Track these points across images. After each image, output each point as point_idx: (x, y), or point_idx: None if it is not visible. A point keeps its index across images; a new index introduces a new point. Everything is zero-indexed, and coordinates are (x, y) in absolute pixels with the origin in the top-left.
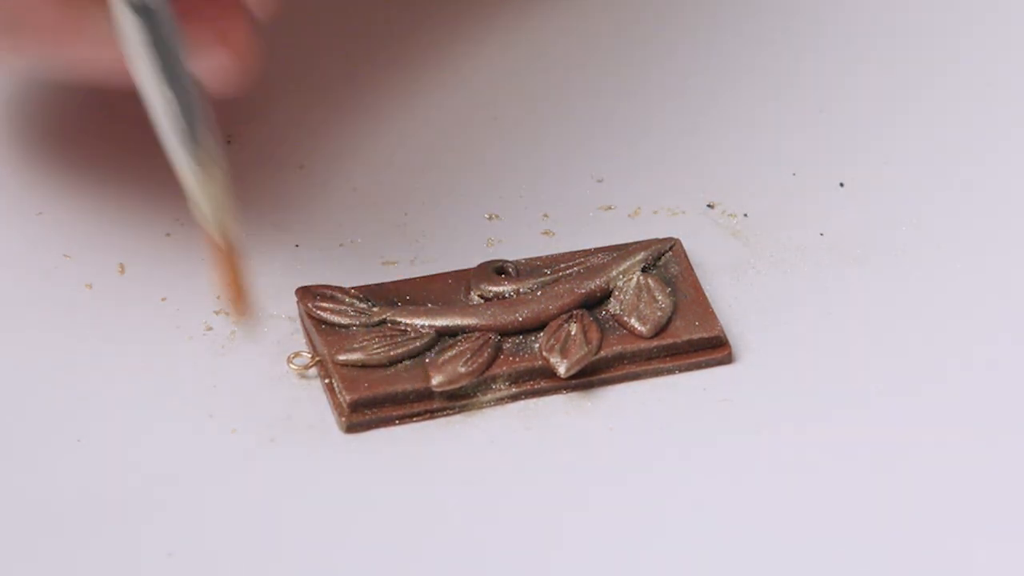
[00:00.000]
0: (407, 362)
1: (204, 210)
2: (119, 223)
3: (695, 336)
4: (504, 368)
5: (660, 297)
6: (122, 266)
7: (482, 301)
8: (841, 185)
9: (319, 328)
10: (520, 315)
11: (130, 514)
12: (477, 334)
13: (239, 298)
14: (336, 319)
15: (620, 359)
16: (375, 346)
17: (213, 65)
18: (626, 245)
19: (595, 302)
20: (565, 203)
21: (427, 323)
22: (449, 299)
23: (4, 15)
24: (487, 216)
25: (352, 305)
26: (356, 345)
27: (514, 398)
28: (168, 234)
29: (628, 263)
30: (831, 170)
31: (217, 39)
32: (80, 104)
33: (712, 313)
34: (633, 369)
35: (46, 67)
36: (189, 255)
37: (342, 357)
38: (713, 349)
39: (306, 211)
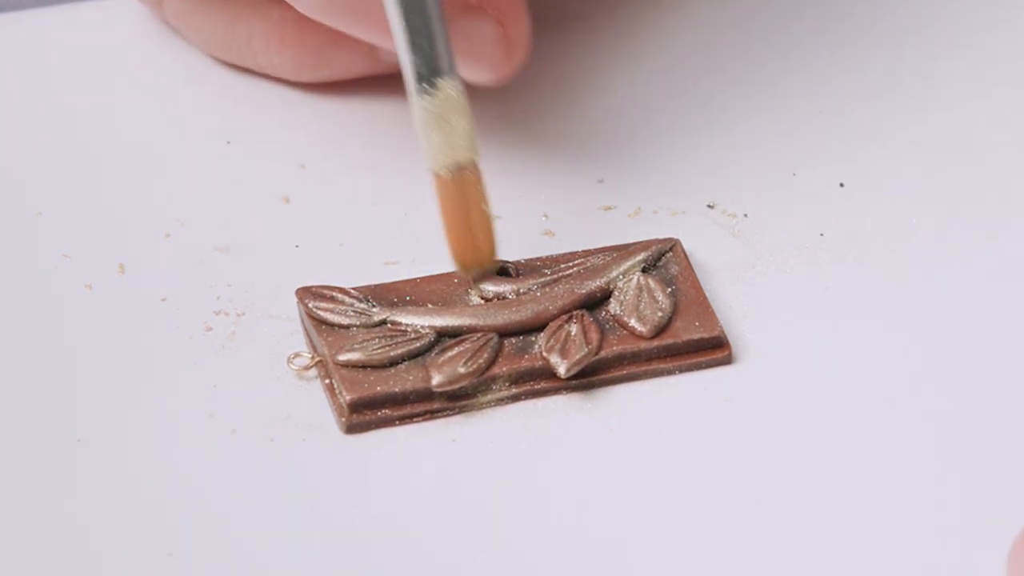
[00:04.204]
0: (407, 362)
1: (435, 139)
2: (119, 223)
3: (695, 336)
4: (504, 368)
5: (660, 297)
6: (122, 266)
7: (482, 301)
8: (841, 185)
9: (319, 328)
10: (520, 315)
11: (130, 514)
12: (477, 334)
13: (475, 249)
14: (336, 319)
15: (620, 360)
16: (375, 346)
17: (478, 36)
18: (626, 245)
19: (595, 302)
20: (565, 203)
21: (427, 323)
22: (449, 299)
23: None
24: None
25: (352, 305)
26: (356, 345)
27: (514, 398)
28: (168, 234)
29: (628, 263)
30: (831, 170)
31: (490, 11)
32: (80, 103)
33: (712, 313)
34: (633, 370)
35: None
36: (189, 255)
37: (342, 357)
38: (713, 349)
39: (306, 211)
